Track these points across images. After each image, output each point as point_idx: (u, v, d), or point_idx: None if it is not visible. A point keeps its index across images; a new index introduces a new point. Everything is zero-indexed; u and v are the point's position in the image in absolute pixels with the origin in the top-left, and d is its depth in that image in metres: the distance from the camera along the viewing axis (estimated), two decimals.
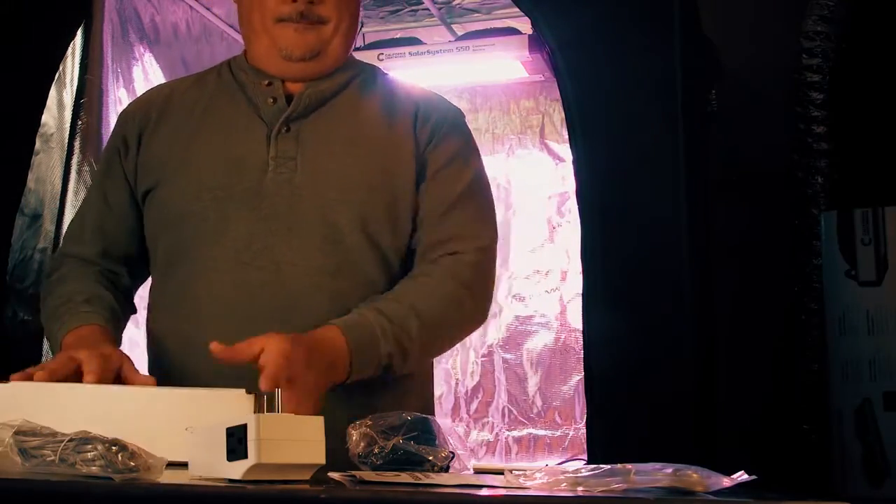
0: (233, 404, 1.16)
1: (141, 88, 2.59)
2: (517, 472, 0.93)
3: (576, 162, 2.04)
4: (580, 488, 0.86)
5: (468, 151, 1.51)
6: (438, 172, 1.45)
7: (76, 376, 1.21)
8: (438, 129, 1.48)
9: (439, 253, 1.42)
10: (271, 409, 1.03)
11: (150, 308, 1.49)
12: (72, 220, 1.61)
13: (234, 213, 1.39)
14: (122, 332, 1.46)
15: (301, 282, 1.36)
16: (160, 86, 1.78)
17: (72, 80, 2.40)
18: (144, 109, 1.53)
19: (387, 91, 1.53)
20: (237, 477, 0.87)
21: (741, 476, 0.86)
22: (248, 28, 1.52)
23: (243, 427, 0.88)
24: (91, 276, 1.47)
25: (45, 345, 2.17)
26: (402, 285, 1.41)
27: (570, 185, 2.71)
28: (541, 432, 3.34)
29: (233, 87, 1.51)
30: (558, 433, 3.31)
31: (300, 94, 1.45)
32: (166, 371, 1.40)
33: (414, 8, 3.01)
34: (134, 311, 1.56)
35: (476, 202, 1.48)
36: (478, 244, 1.46)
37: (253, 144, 1.42)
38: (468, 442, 3.30)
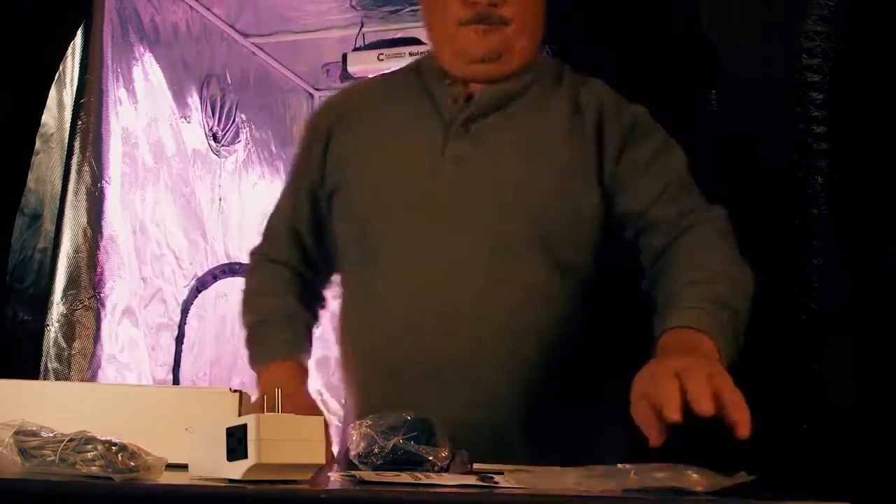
0: (219, 402, 1.16)
1: (141, 88, 2.59)
2: (518, 472, 0.93)
3: None
4: (580, 488, 0.86)
5: (668, 140, 1.43)
6: (649, 164, 1.37)
7: None
8: (633, 126, 1.41)
9: (688, 221, 1.32)
10: (271, 409, 1.03)
11: (342, 306, 1.50)
12: (270, 216, 1.60)
13: (410, 214, 1.36)
14: (311, 343, 1.55)
15: (468, 288, 1.30)
16: (351, 85, 1.80)
17: (72, 80, 2.40)
18: (336, 109, 1.54)
19: (571, 92, 1.45)
20: (237, 477, 0.87)
21: (741, 476, 0.85)
22: (433, 31, 1.49)
23: (243, 427, 0.88)
24: (287, 286, 1.53)
25: (45, 345, 2.17)
26: (689, 255, 1.28)
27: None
28: None
29: (418, 87, 1.50)
30: None
31: (480, 95, 1.41)
32: (354, 375, 1.44)
33: (414, 8, 3.01)
34: (324, 307, 1.62)
35: (694, 187, 1.39)
36: (721, 213, 1.34)
37: (432, 145, 1.38)
38: None
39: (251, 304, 1.57)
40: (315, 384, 3.61)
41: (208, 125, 2.97)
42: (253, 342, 1.51)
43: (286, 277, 1.53)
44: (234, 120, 3.13)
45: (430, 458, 1.06)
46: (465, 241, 1.32)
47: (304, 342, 1.50)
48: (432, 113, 1.42)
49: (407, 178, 1.38)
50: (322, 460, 0.91)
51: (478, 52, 1.39)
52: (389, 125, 1.45)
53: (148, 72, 2.64)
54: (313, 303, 1.58)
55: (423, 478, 0.94)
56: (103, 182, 2.29)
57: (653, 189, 1.34)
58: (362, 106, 1.52)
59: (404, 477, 0.94)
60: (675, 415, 0.97)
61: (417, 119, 1.43)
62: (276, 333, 1.47)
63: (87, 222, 2.24)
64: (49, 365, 2.16)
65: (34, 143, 2.29)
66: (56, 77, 2.34)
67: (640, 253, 1.35)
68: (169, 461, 0.93)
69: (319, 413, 1.27)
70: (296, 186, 1.54)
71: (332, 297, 1.61)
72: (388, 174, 1.40)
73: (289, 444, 0.88)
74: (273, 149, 3.41)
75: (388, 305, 1.35)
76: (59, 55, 2.32)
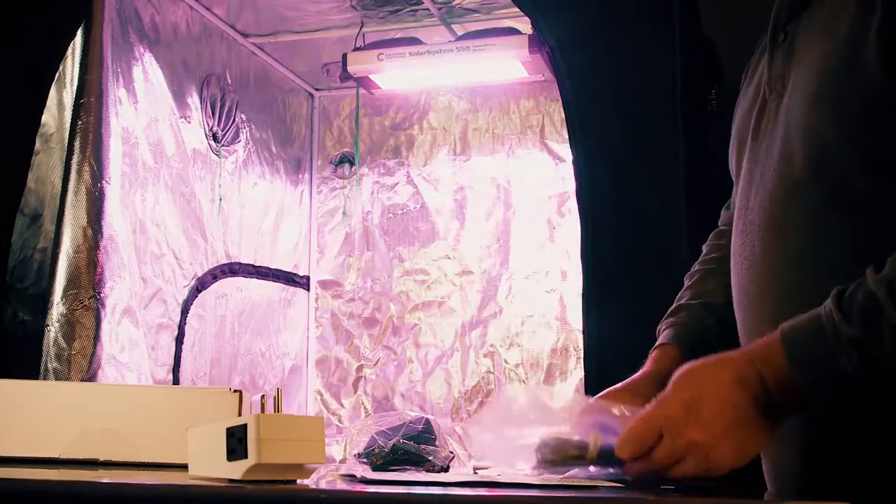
0: (219, 402, 1.16)
1: (141, 88, 2.59)
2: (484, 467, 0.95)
3: (576, 162, 2.04)
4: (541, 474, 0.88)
5: None
6: None
7: None
8: None
9: None
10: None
11: None
12: None
13: (740, 163, 1.13)
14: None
15: (783, 257, 1.02)
16: None
17: (72, 80, 2.40)
18: None
19: None
20: (237, 477, 0.87)
21: None
22: None
23: (243, 427, 0.88)
24: (718, 265, 1.28)
25: (45, 345, 2.17)
26: None
27: (570, 185, 2.71)
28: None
29: None
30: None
31: None
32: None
33: (414, 8, 3.01)
34: None
35: None
36: None
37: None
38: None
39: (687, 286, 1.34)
40: (315, 384, 3.62)
41: (208, 125, 2.97)
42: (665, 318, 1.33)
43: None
44: (234, 120, 3.13)
45: (430, 458, 1.06)
46: (781, 194, 1.05)
47: (696, 327, 1.27)
48: None
49: (741, 123, 1.17)
50: (322, 460, 0.91)
51: None
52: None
53: (148, 72, 2.64)
54: None
55: (423, 478, 0.94)
56: (103, 182, 2.29)
57: None
58: None
59: (404, 477, 0.94)
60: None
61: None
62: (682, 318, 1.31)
63: (87, 222, 2.24)
64: (49, 365, 2.16)
65: (34, 143, 2.29)
66: (56, 77, 2.34)
67: None
68: (169, 461, 0.93)
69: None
70: None
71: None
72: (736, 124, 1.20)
73: (289, 444, 0.88)
74: (273, 149, 3.41)
75: (733, 271, 1.13)
76: (59, 55, 2.32)
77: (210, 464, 0.91)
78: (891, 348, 0.85)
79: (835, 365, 0.86)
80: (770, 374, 0.90)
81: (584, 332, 1.95)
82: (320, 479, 0.94)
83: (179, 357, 2.74)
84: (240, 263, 3.15)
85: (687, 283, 1.35)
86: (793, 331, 0.90)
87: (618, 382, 1.21)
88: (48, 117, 2.41)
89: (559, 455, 0.95)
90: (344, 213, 3.64)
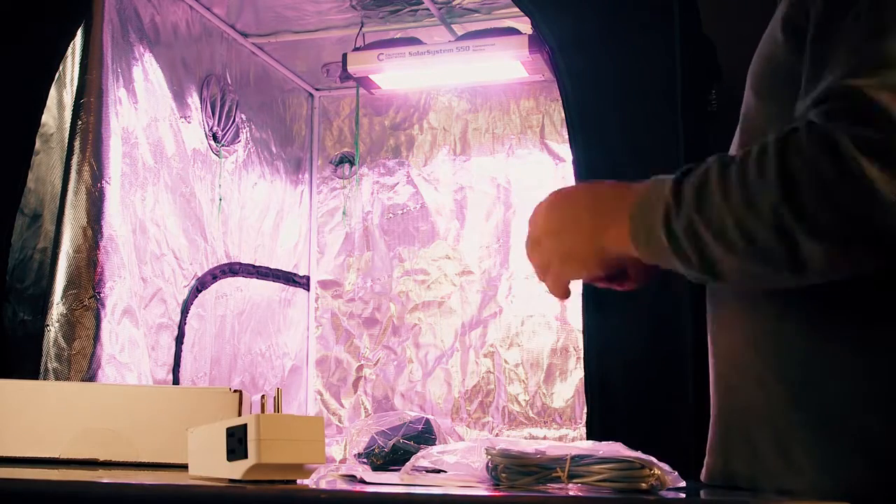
0: (219, 402, 1.16)
1: (141, 88, 2.59)
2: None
3: (576, 162, 2.04)
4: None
5: None
6: None
7: None
8: None
9: None
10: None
11: None
12: None
13: None
14: None
15: None
16: None
17: (72, 80, 2.40)
18: None
19: None
20: (237, 477, 0.87)
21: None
22: None
23: (243, 427, 0.88)
24: None
25: (45, 345, 2.17)
26: None
27: (570, 184, 2.70)
28: (541, 432, 3.34)
29: None
30: (558, 433, 3.31)
31: None
32: None
33: (414, 8, 3.01)
34: None
35: None
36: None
37: None
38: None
39: None
40: (315, 384, 3.62)
41: (208, 125, 2.97)
42: None
43: None
44: (234, 120, 3.13)
45: None
46: None
47: None
48: None
49: None
50: (322, 460, 0.91)
51: None
52: None
53: (148, 72, 2.64)
54: None
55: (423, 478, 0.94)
56: (103, 182, 2.29)
57: None
58: None
59: (404, 476, 0.94)
60: None
61: None
62: None
63: (87, 222, 2.24)
64: (49, 365, 2.16)
65: (34, 143, 2.29)
66: (56, 77, 2.34)
67: None
68: (169, 461, 0.93)
69: None
70: None
71: None
72: None
73: (289, 444, 0.88)
74: (273, 149, 3.41)
75: None
76: (59, 55, 2.32)
77: (210, 464, 0.91)
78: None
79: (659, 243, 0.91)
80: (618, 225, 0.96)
81: (584, 332, 1.95)
82: (320, 479, 0.94)
83: (179, 357, 2.74)
84: (240, 263, 3.15)
85: None
86: (640, 199, 0.94)
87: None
88: (48, 117, 2.41)
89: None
90: (344, 213, 3.64)
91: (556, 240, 1.05)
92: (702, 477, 1.10)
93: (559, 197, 1.06)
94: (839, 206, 0.80)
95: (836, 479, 0.91)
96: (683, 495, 0.97)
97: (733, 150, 1.09)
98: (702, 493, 1.02)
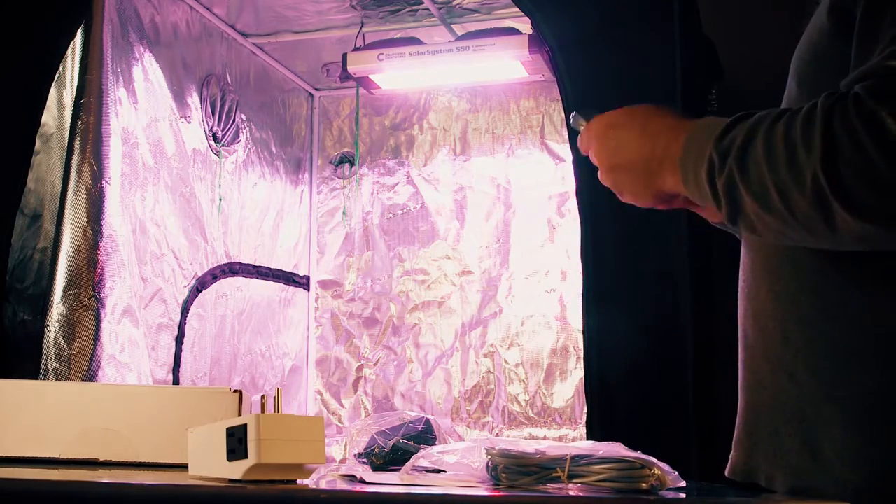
0: (219, 402, 1.16)
1: (141, 89, 2.59)
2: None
3: (576, 162, 2.04)
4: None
5: None
6: None
7: None
8: None
9: None
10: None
11: None
12: None
13: None
14: None
15: None
16: None
17: (72, 80, 2.40)
18: None
19: None
20: (237, 477, 0.87)
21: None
22: None
23: (243, 427, 0.88)
24: None
25: (45, 345, 2.17)
26: None
27: (570, 185, 2.71)
28: (541, 432, 3.34)
29: None
30: (558, 433, 3.31)
31: None
32: None
33: (414, 8, 3.01)
34: None
35: None
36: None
37: None
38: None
39: None
40: (315, 384, 3.62)
41: (208, 125, 2.97)
42: None
43: None
44: (234, 120, 3.13)
45: None
46: None
47: None
48: None
49: None
50: (322, 460, 0.91)
51: None
52: None
53: (148, 72, 2.64)
54: None
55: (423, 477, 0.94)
56: (103, 182, 2.29)
57: None
58: None
59: (404, 476, 0.94)
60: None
61: None
62: None
63: (87, 222, 2.24)
64: (49, 365, 2.16)
65: (34, 143, 2.29)
66: (56, 77, 2.34)
67: None
68: (169, 461, 0.93)
69: None
70: None
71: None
72: None
73: (289, 444, 0.88)
74: (273, 149, 3.41)
75: None
76: (59, 55, 2.32)
77: (210, 464, 0.91)
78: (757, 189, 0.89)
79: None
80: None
81: (584, 332, 1.95)
82: (320, 479, 0.94)
83: (179, 357, 2.74)
84: (240, 263, 3.15)
85: None
86: (704, 122, 0.98)
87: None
88: (48, 117, 2.41)
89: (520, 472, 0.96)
90: (344, 213, 3.64)
91: (613, 176, 1.09)
92: (726, 472, 1.09)
93: (611, 129, 1.12)
94: (875, 182, 0.81)
95: (865, 475, 0.90)
96: (683, 495, 0.97)
97: None
98: (696, 491, 1.02)
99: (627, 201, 1.10)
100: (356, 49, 3.02)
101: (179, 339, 2.75)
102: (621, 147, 1.08)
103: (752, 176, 0.88)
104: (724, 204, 0.92)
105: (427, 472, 0.99)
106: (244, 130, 3.20)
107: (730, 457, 1.08)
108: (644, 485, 0.92)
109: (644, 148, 1.04)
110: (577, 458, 0.95)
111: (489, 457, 0.96)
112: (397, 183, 3.61)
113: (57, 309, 2.18)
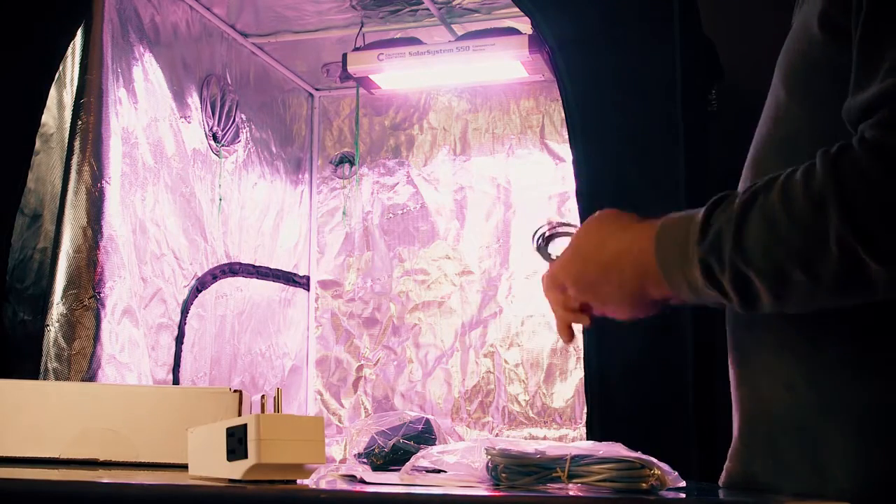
0: (219, 402, 1.16)
1: (141, 89, 2.59)
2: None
3: (576, 162, 2.04)
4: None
5: None
6: None
7: None
8: None
9: None
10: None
11: None
12: None
13: None
14: None
15: None
16: None
17: (72, 80, 2.40)
18: None
19: None
20: (237, 477, 0.87)
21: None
22: None
23: (243, 427, 0.88)
24: None
25: (45, 345, 2.17)
26: None
27: (570, 185, 2.70)
28: (541, 432, 3.34)
29: None
30: (558, 433, 3.31)
31: None
32: None
33: (414, 8, 3.01)
34: None
35: None
36: None
37: None
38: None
39: None
40: (315, 384, 3.62)
41: (208, 125, 2.97)
42: None
43: None
44: (234, 120, 3.13)
45: None
46: None
47: None
48: None
49: None
50: (322, 460, 0.91)
51: None
52: None
53: (148, 72, 2.64)
54: None
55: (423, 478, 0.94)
56: (103, 182, 2.29)
57: None
58: None
59: (404, 476, 0.94)
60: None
61: None
62: None
63: (87, 222, 2.24)
64: (49, 365, 2.16)
65: (34, 143, 2.29)
66: (56, 77, 2.34)
67: None
68: (169, 461, 0.93)
69: None
70: None
71: None
72: None
73: (289, 444, 0.88)
74: (273, 149, 3.41)
75: None
76: (59, 55, 2.32)
77: (210, 464, 0.91)
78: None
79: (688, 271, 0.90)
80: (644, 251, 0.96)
81: (584, 333, 1.95)
82: (320, 479, 0.94)
83: (179, 357, 2.74)
84: (240, 263, 3.15)
85: None
86: (666, 223, 0.95)
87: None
88: (48, 117, 2.41)
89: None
90: (344, 213, 3.64)
91: (604, 311, 1.06)
92: (720, 481, 1.09)
93: (576, 269, 1.06)
94: None
95: (867, 486, 0.89)
96: (683, 495, 0.97)
97: (759, 139, 1.06)
98: (695, 492, 1.02)
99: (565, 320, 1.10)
100: (356, 49, 3.02)
101: (179, 339, 2.76)
102: (595, 285, 1.04)
103: (761, 260, 0.83)
104: (737, 299, 0.88)
105: (427, 472, 0.99)
106: (244, 130, 3.20)
107: (724, 467, 1.08)
108: (644, 485, 0.92)
109: (613, 278, 1.01)
110: (577, 458, 0.95)
111: (489, 457, 0.96)
112: (397, 183, 3.61)
113: (57, 309, 2.18)
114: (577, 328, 1.14)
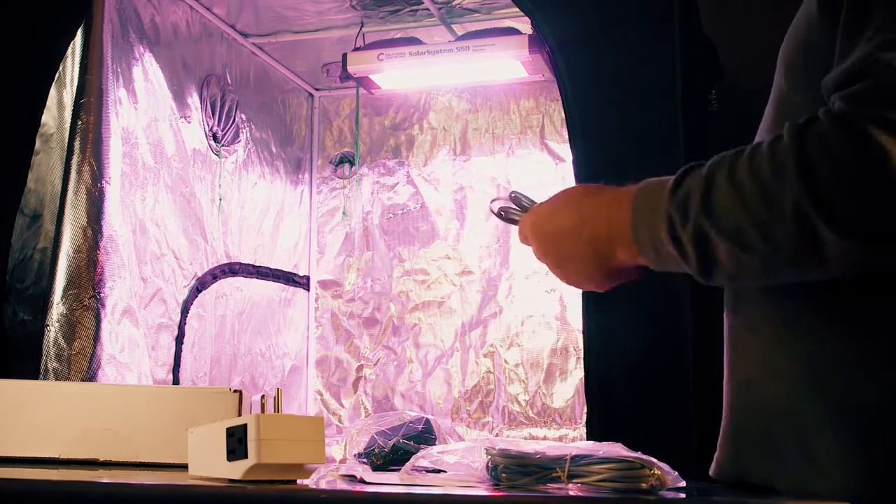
0: (219, 402, 1.16)
1: (141, 89, 2.59)
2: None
3: (576, 162, 2.04)
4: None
5: None
6: None
7: None
8: None
9: None
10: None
11: None
12: None
13: None
14: None
15: None
16: None
17: (72, 80, 2.40)
18: None
19: None
20: (237, 477, 0.87)
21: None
22: None
23: (243, 427, 0.88)
24: None
25: (45, 345, 2.17)
26: None
27: (570, 185, 2.70)
28: (541, 432, 3.34)
29: None
30: (558, 433, 3.31)
31: None
32: None
33: (414, 8, 3.01)
34: None
35: None
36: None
37: None
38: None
39: None
40: (315, 384, 3.62)
41: (208, 125, 2.97)
42: None
43: None
44: (234, 120, 3.13)
45: None
46: None
47: None
48: None
49: None
50: (322, 460, 0.91)
51: None
52: None
53: (148, 72, 2.64)
54: None
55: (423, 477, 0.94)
56: (103, 182, 2.29)
57: None
58: None
59: (404, 476, 0.94)
60: None
61: None
62: None
63: (87, 222, 2.24)
64: (49, 365, 2.16)
65: (34, 143, 2.29)
66: (56, 77, 2.34)
67: None
68: (169, 461, 0.93)
69: None
70: None
71: None
72: None
73: (289, 444, 0.88)
74: (273, 149, 3.41)
75: None
76: (59, 55, 2.32)
77: (210, 464, 0.91)
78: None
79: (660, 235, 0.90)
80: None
81: (584, 332, 1.95)
82: (320, 479, 0.94)
83: (179, 357, 2.74)
84: (240, 263, 3.15)
85: None
86: (647, 184, 0.95)
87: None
88: (48, 117, 2.41)
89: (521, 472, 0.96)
90: (344, 213, 3.64)
91: (563, 270, 1.06)
92: (711, 471, 1.08)
93: (546, 224, 1.07)
94: (864, 196, 0.77)
95: (866, 483, 0.88)
96: (683, 495, 0.97)
97: (761, 134, 1.06)
98: (695, 490, 1.02)
99: (586, 289, 1.09)
100: (356, 49, 3.02)
101: (179, 339, 2.76)
102: (562, 239, 1.04)
103: (723, 218, 0.84)
104: (694, 257, 0.88)
105: (427, 472, 0.99)
106: (244, 130, 3.20)
107: (715, 457, 1.08)
108: (644, 485, 0.92)
109: (585, 233, 1.01)
110: (577, 458, 0.95)
111: (489, 457, 0.96)
112: (397, 183, 3.61)
113: (57, 309, 2.18)
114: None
